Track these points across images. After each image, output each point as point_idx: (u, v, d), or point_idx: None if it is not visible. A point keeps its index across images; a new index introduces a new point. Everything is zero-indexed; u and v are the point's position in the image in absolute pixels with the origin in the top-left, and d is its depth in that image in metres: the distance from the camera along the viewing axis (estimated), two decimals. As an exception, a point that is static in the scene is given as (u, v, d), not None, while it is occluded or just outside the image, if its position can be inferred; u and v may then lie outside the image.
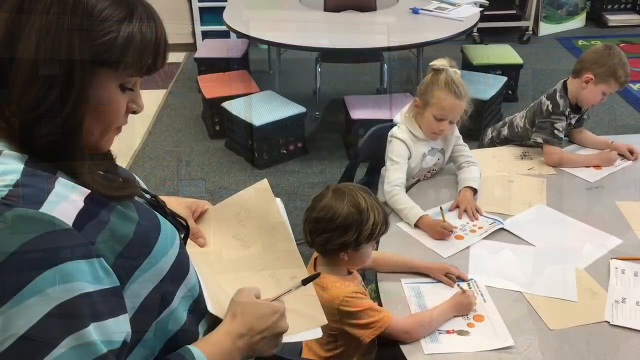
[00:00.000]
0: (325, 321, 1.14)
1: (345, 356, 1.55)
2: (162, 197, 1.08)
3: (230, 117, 3.67)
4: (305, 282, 1.09)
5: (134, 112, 0.91)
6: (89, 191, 0.82)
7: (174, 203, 1.16)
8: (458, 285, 1.58)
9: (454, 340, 1.42)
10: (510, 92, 4.32)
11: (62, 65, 0.77)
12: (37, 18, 0.76)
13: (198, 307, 0.99)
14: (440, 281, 1.61)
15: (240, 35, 3.80)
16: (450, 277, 1.61)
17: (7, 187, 0.75)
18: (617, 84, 2.16)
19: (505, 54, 4.40)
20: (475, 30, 5.34)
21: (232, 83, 4.03)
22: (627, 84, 2.21)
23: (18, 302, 0.71)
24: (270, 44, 3.98)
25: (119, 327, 0.81)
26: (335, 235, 1.44)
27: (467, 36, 5.24)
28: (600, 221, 1.87)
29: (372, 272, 1.71)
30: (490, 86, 3.85)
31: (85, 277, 0.76)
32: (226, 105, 3.69)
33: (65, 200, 0.78)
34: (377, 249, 1.71)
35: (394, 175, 1.98)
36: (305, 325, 1.11)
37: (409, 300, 1.55)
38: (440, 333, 1.44)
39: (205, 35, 5.29)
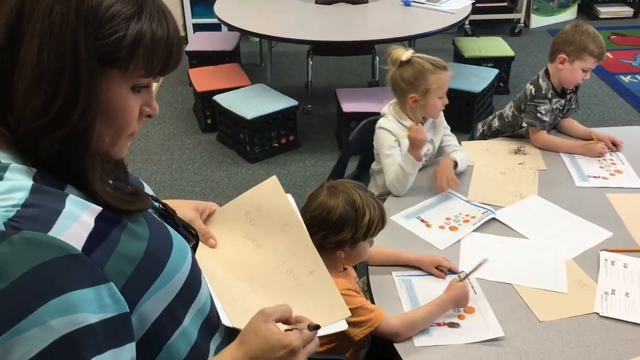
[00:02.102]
0: (348, 313, 1.09)
1: (338, 350, 1.55)
2: (169, 201, 1.03)
3: (222, 111, 3.65)
4: (311, 328, 0.94)
5: (149, 116, 0.85)
6: (100, 208, 0.77)
7: (180, 205, 1.10)
8: (461, 276, 1.58)
9: (444, 333, 1.42)
10: (501, 84, 4.32)
11: (68, 68, 0.72)
12: (40, 18, 0.71)
13: (209, 323, 0.95)
14: (431, 274, 1.62)
15: (231, 28, 3.78)
16: (442, 269, 1.61)
17: (15, 207, 0.70)
18: (592, 57, 2.17)
19: (496, 46, 4.40)
20: (467, 22, 5.33)
21: (224, 76, 4.02)
22: (604, 56, 2.21)
23: (18, 332, 0.67)
24: (261, 36, 3.96)
25: (122, 359, 0.77)
26: (330, 234, 1.43)
27: (458, 29, 5.25)
28: (591, 213, 1.88)
29: (363, 265, 1.71)
30: (481, 79, 3.86)
31: (91, 306, 0.72)
32: (218, 98, 3.68)
33: (76, 222, 0.73)
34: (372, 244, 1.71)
35: (391, 168, 2.00)
36: (328, 319, 1.06)
37: (400, 293, 1.55)
38: (431, 326, 1.44)
39: (197, 28, 5.26)
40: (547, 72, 2.30)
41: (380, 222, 1.48)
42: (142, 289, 0.80)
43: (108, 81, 0.76)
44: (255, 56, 5.05)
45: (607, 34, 5.32)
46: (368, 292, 1.60)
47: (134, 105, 0.81)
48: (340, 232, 1.42)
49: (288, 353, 0.89)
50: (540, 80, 2.28)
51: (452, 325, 1.45)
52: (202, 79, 3.97)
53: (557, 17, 5.79)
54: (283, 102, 3.63)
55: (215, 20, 4.02)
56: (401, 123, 2.05)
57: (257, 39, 4.87)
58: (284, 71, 4.84)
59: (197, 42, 4.61)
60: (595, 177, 2.11)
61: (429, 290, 1.55)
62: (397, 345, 1.39)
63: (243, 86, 3.85)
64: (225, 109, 3.60)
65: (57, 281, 0.69)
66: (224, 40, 4.60)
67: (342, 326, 1.09)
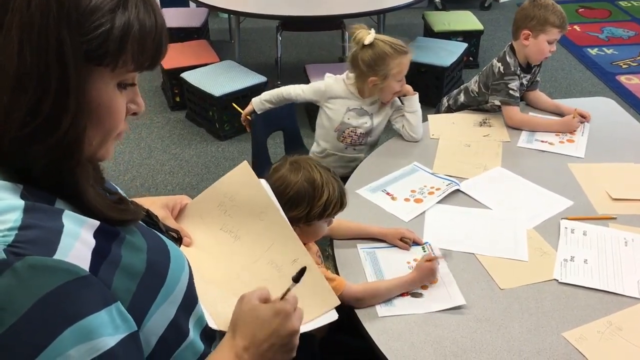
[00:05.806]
0: (337, 302, 1.06)
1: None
2: (136, 200, 0.98)
3: (190, 88, 3.61)
4: (296, 279, 0.95)
5: (134, 114, 0.79)
6: (97, 222, 0.72)
7: (149, 204, 1.03)
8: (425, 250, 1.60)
9: (407, 303, 1.44)
10: (471, 58, 4.34)
11: (54, 68, 0.65)
12: (17, 12, 0.63)
13: (207, 329, 0.91)
14: (395, 246, 1.63)
15: (199, 4, 3.72)
16: (406, 241, 1.63)
17: (11, 230, 0.64)
18: (555, 28, 2.20)
19: (466, 20, 4.41)
20: (437, -4, 5.33)
21: (192, 53, 3.96)
22: (566, 25, 2.24)
23: None
24: (229, 12, 3.90)
25: None
26: (284, 209, 1.42)
27: (429, 3, 5.25)
28: (553, 183, 1.91)
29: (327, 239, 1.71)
30: (450, 53, 3.86)
31: (107, 329, 0.68)
32: (186, 75, 3.63)
33: (78, 240, 0.68)
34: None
35: (292, 87, 2.21)
36: (317, 311, 1.04)
37: (365, 265, 1.57)
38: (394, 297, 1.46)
39: (164, 3, 5.14)
40: (512, 49, 2.31)
41: (338, 203, 1.46)
42: (147, 304, 0.76)
43: (94, 80, 0.70)
44: (225, 33, 4.98)
45: (574, 7, 5.36)
46: (333, 266, 1.61)
47: (122, 104, 0.75)
48: (294, 208, 1.41)
49: (283, 319, 0.87)
50: (507, 57, 2.29)
51: (415, 295, 1.47)
52: (170, 56, 3.87)
53: (526, -10, 5.80)
54: (252, 79, 3.60)
55: (182, -4, 3.96)
56: (351, 91, 2.11)
57: (226, 15, 4.80)
58: (254, 47, 4.79)
59: (165, 18, 4.50)
60: (542, 141, 2.17)
61: (393, 261, 1.56)
62: (360, 316, 1.40)
63: (211, 63, 3.80)
64: (194, 86, 3.56)
65: (70, 308, 0.65)
66: (192, 17, 4.53)
67: (333, 316, 1.06)
